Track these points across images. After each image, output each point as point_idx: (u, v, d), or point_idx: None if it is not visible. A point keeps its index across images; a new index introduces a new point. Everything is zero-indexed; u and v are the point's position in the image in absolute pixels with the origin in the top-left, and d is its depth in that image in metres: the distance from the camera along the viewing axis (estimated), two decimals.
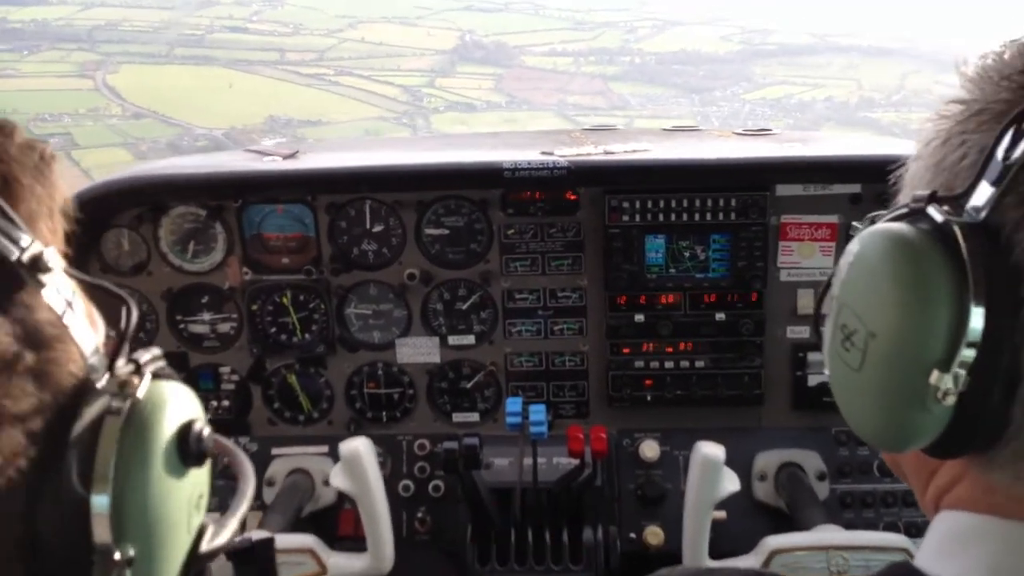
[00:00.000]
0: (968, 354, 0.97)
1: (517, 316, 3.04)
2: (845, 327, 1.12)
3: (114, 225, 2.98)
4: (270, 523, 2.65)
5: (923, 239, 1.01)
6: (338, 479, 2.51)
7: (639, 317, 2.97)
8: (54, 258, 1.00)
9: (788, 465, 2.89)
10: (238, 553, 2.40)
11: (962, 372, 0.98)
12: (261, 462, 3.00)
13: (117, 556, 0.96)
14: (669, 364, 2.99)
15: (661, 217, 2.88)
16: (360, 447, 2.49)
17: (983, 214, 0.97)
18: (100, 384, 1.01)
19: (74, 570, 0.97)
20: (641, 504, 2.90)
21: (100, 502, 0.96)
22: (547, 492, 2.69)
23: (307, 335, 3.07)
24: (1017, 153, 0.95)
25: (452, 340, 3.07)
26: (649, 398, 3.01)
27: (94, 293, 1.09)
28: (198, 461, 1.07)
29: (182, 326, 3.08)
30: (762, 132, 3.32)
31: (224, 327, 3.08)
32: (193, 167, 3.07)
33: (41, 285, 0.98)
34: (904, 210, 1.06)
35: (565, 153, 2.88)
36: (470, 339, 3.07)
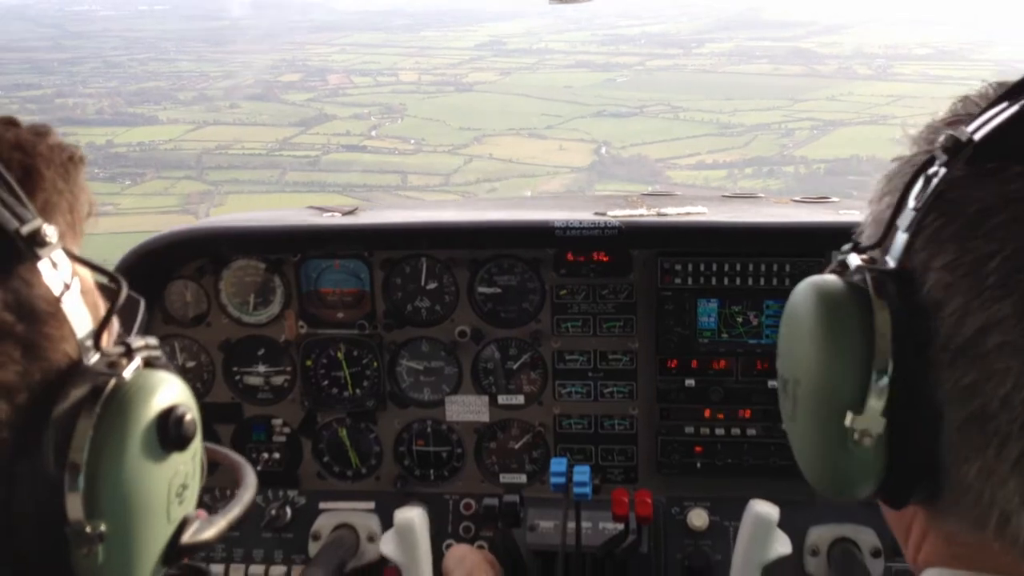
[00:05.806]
0: (878, 394, 0.99)
1: (567, 377, 3.02)
2: (782, 377, 1.17)
3: (178, 276, 3.06)
4: None
5: (837, 287, 1.06)
6: (388, 547, 2.50)
7: (690, 382, 2.92)
8: (54, 236, 1.03)
9: (842, 540, 2.79)
10: None
11: (876, 412, 0.99)
12: (308, 516, 3.01)
13: (88, 530, 0.98)
14: (720, 431, 2.93)
15: (714, 281, 2.85)
16: (415, 518, 2.48)
17: (895, 259, 1.02)
18: (89, 363, 1.04)
19: (50, 546, 0.99)
20: (688, 574, 2.81)
21: (74, 477, 0.98)
22: (591, 556, 2.63)
23: (358, 390, 3.09)
24: (923, 199, 1.00)
25: (501, 399, 3.06)
26: (699, 465, 2.94)
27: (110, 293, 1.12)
28: (178, 446, 1.08)
29: (237, 377, 3.13)
30: (821, 200, 3.29)
31: (278, 380, 3.12)
32: (255, 221, 3.15)
33: (39, 260, 1.01)
34: (835, 263, 1.12)
35: (618, 214, 2.89)
36: (519, 399, 3.06)
